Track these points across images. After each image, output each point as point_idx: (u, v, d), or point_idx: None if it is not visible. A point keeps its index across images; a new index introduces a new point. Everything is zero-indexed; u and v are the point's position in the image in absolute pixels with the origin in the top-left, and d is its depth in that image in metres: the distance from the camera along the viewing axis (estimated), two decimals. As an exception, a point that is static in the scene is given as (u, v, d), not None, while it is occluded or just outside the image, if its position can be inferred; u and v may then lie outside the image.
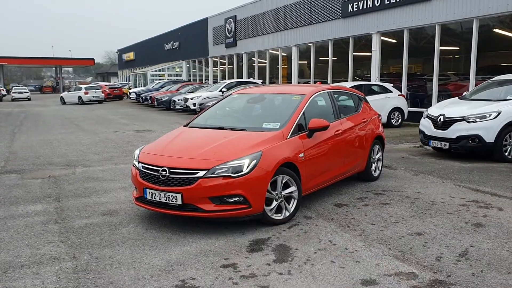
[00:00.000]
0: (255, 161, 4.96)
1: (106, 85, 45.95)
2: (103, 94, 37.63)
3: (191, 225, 5.25)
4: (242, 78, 30.39)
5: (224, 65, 35.21)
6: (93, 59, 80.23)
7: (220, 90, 23.82)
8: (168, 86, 33.74)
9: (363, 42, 20.85)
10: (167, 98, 27.36)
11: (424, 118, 10.23)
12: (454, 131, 9.25)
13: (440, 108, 10.00)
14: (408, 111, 16.41)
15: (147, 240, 4.85)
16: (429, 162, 9.30)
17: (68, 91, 41.70)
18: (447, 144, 9.40)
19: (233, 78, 31.57)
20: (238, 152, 5.07)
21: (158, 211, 5.17)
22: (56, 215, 5.83)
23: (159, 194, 5.02)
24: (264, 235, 4.96)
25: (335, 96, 6.85)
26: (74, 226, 5.38)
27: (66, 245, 4.77)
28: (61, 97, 39.20)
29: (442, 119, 9.50)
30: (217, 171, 4.85)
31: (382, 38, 19.47)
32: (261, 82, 26.74)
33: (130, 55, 60.70)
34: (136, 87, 46.20)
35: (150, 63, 50.92)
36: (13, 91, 49.27)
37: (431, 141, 9.80)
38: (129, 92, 38.82)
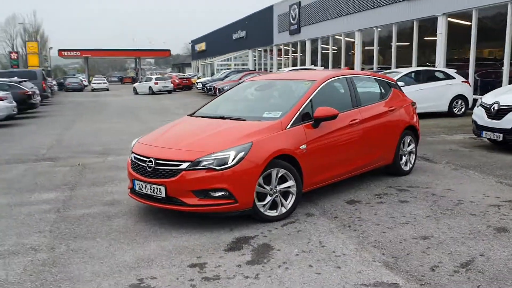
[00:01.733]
0: (242, 153, 4.61)
1: (176, 76, 47.15)
2: (172, 85, 38.63)
3: (183, 219, 5.02)
4: (304, 66, 29.74)
5: (288, 52, 34.71)
6: (169, 50, 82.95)
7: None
8: (233, 75, 33.86)
9: (428, 26, 19.47)
10: (228, 87, 27.42)
11: (478, 106, 9.25)
12: (509, 121, 8.25)
13: (495, 96, 8.98)
14: (475, 99, 15.07)
15: (130, 234, 4.69)
16: (478, 155, 8.38)
17: (139, 82, 43.27)
18: (501, 135, 8.41)
19: (297, 66, 30.99)
20: (227, 143, 4.75)
21: (145, 203, 5.00)
22: (62, 204, 5.85)
23: (145, 186, 4.84)
24: (252, 232, 4.62)
25: (356, 82, 6.28)
26: (71, 216, 5.35)
27: (52, 235, 4.72)
28: (134, 87, 40.79)
29: (496, 108, 8.51)
30: (201, 164, 4.56)
31: (449, 19, 18.03)
32: (323, 69, 25.99)
33: (202, 46, 61.82)
34: (204, 77, 46.97)
35: (220, 53, 51.49)
36: (92, 81, 52.10)
37: (483, 132, 8.83)
38: (196, 82, 39.53)
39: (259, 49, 40.59)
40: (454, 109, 14.78)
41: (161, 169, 4.71)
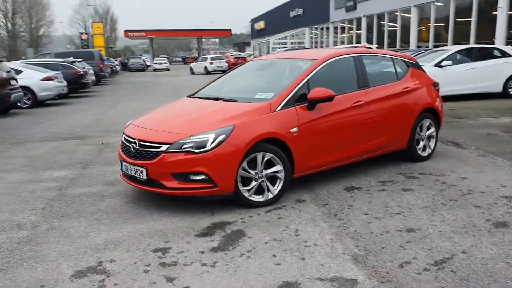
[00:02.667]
0: (223, 136, 4.46)
1: (232, 55, 47.31)
2: (227, 64, 38.80)
3: (169, 202, 4.96)
4: (360, 44, 28.74)
5: (344, 30, 33.70)
6: (230, 30, 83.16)
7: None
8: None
9: (489, -1, 18.07)
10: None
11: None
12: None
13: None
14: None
15: (114, 215, 4.71)
16: (516, 141, 7.69)
17: (196, 62, 43.86)
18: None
19: (352, 44, 30.03)
20: (209, 125, 4.62)
21: (131, 184, 5.00)
22: (68, 182, 6.00)
23: (130, 167, 4.83)
24: (233, 218, 4.49)
25: (366, 62, 5.90)
26: (69, 194, 5.46)
27: (42, 213, 4.85)
28: (190, 67, 41.42)
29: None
30: (180, 146, 4.47)
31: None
32: (376, 47, 24.97)
33: (261, 24, 61.54)
34: (260, 55, 46.75)
35: (277, 31, 50.98)
36: (154, 62, 53.47)
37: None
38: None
39: (315, 26, 39.73)
40: (510, 90, 13.67)
41: (143, 150, 4.68)
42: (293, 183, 5.24)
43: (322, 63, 5.42)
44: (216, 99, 5.39)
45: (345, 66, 5.75)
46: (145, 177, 4.64)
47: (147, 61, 61.00)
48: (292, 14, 45.25)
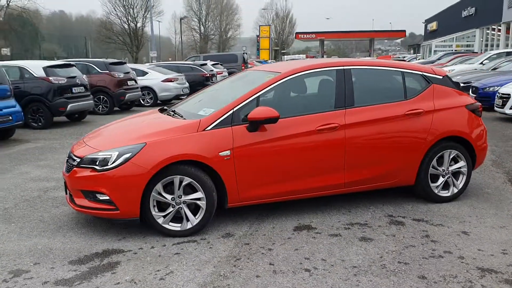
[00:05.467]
0: (128, 154, 4.09)
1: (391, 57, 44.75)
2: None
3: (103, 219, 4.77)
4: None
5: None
6: (404, 31, 79.24)
7: (481, 63, 20.06)
8: (446, 58, 30.35)
9: None
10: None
11: None
12: None
13: None
14: None
15: (42, 225, 4.62)
16: None
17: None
18: None
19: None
20: (123, 141, 4.28)
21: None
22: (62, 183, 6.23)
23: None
24: (133, 246, 4.07)
25: (359, 76, 4.86)
26: (46, 197, 5.58)
27: (18, 207, 5.16)
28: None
29: None
30: (86, 162, 4.23)
31: None
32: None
33: (434, 25, 56.95)
34: (423, 59, 43.32)
35: (448, 33, 46.61)
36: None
37: None
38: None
39: (486, 27, 35.25)
40: None
41: (68, 164, 4.55)
42: (252, 209, 4.74)
43: (284, 77, 4.61)
44: (174, 112, 4.98)
45: (320, 81, 4.83)
46: (65, 191, 4.53)
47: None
48: (464, 13, 40.76)
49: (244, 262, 3.72)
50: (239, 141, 4.29)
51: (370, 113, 4.72)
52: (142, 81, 16.12)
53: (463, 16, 41.42)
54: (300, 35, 77.88)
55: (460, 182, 5.11)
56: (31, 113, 11.24)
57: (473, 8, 38.38)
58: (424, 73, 5.11)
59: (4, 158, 7.95)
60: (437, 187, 5.02)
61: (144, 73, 16.70)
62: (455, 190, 5.10)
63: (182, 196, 4.21)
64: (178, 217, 4.27)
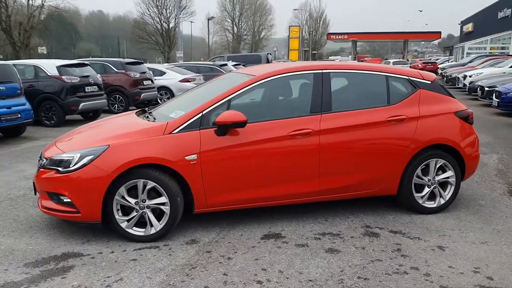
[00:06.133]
0: (90, 156, 4.02)
1: (420, 60, 43.68)
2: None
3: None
4: None
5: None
6: (439, 32, 77.23)
7: (511, 66, 19.33)
8: (478, 60, 29.38)
9: None
10: (455, 74, 24.03)
11: None
12: None
13: None
14: None
15: (10, 226, 4.63)
16: None
17: (381, 66, 41.87)
18: None
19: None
20: (88, 143, 4.23)
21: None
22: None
23: (38, 181, 4.72)
24: (94, 250, 4.01)
25: (339, 80, 4.68)
26: (29, 198, 5.64)
27: (0, 205, 5.22)
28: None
29: None
30: (52, 163, 4.19)
31: None
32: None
33: (469, 27, 55.33)
34: (455, 61, 42.12)
35: (484, 35, 45.17)
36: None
37: None
38: (440, 68, 35.84)
39: (523, 29, 33.97)
40: None
41: (39, 164, 4.53)
42: (224, 215, 4.62)
43: (257, 81, 4.46)
44: (150, 114, 4.89)
45: (300, 85, 4.65)
46: (34, 192, 4.52)
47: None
48: (500, 15, 39.41)
49: (198, 272, 3.60)
50: (207, 145, 4.17)
51: (348, 119, 4.51)
52: (159, 81, 16.22)
53: (499, 17, 40.06)
54: (332, 36, 77.00)
55: (448, 193, 4.84)
56: (44, 111, 11.45)
57: (510, 10, 37.08)
58: (411, 78, 4.86)
59: (8, 155, 8.08)
60: (422, 197, 4.76)
61: (162, 73, 16.80)
62: (442, 201, 4.83)
63: (146, 200, 4.13)
64: (143, 222, 4.19)
